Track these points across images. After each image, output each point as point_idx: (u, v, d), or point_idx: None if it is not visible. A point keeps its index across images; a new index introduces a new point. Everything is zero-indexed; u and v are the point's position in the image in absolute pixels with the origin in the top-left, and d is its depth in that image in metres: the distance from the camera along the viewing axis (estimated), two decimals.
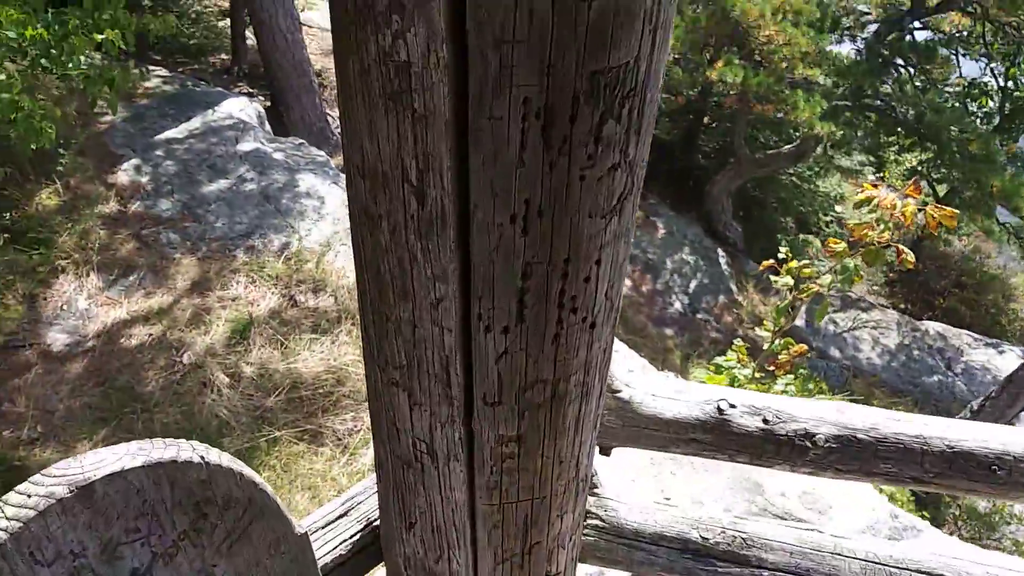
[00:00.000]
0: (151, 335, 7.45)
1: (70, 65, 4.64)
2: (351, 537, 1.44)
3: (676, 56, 11.81)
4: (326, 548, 1.43)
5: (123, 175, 8.89)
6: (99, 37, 4.53)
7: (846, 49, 12.73)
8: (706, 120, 16.99)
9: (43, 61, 4.67)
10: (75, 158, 8.72)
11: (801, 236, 16.80)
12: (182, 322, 7.77)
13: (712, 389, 1.34)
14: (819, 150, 14.78)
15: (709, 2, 10.44)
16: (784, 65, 10.63)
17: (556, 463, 1.09)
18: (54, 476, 0.94)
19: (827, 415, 1.31)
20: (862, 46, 12.72)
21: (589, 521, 1.59)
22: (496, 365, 0.92)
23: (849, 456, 1.33)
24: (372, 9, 0.67)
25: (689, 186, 16.70)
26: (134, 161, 9.03)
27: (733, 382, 4.91)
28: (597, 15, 0.65)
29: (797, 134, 14.26)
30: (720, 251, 14.91)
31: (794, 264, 4.52)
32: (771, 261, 4.65)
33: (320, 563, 1.40)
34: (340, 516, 1.45)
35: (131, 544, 1.00)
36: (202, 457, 1.04)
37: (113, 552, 0.99)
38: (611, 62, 0.69)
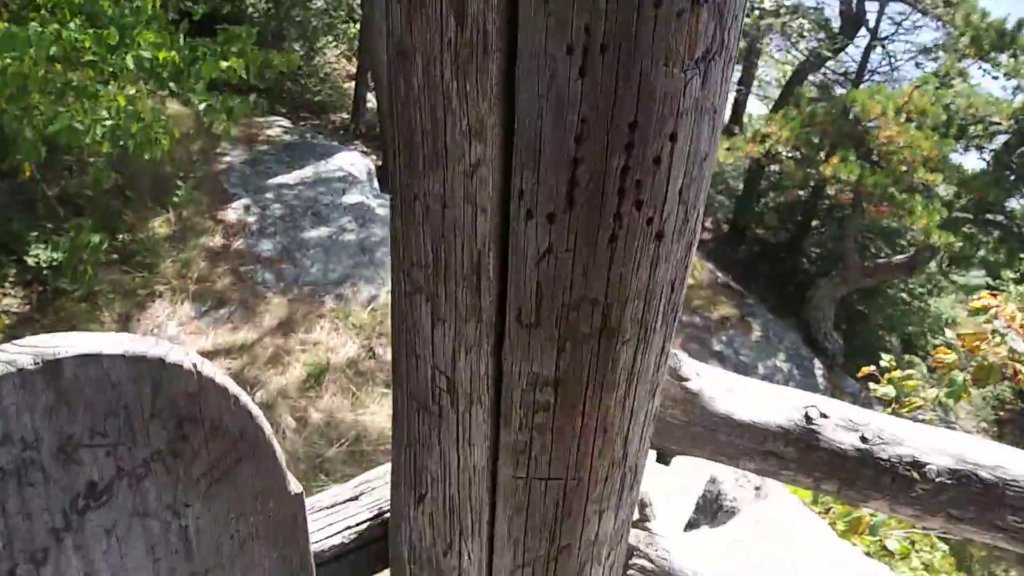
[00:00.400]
0: (230, 369, 7.56)
1: (196, 88, 4.87)
2: (358, 525, 1.25)
3: (790, 149, 11.56)
4: (328, 532, 1.24)
5: (232, 212, 9.28)
6: (224, 64, 4.76)
7: (971, 159, 12.16)
8: (815, 223, 16.46)
9: (171, 84, 4.94)
10: (191, 192, 9.18)
11: (907, 357, 15.78)
12: (262, 360, 7.87)
13: (801, 395, 1.12)
14: (933, 264, 14.02)
15: (828, 96, 10.22)
16: (903, 168, 10.20)
17: (600, 432, 0.89)
18: (21, 345, 0.82)
19: (943, 443, 1.06)
20: (989, 157, 12.11)
21: (635, 560, 1.35)
22: (536, 269, 0.75)
23: (965, 498, 1.06)
24: None
25: (791, 290, 16.10)
26: (244, 201, 9.43)
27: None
28: None
29: (911, 245, 13.60)
30: (817, 362, 14.15)
31: (897, 373, 4.14)
32: (871, 368, 4.29)
33: (317, 548, 1.21)
34: (349, 499, 1.26)
35: (94, 449, 0.86)
36: (195, 365, 0.90)
37: (71, 453, 0.85)
38: None
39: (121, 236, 8.33)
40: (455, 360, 0.85)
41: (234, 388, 0.95)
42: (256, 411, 0.97)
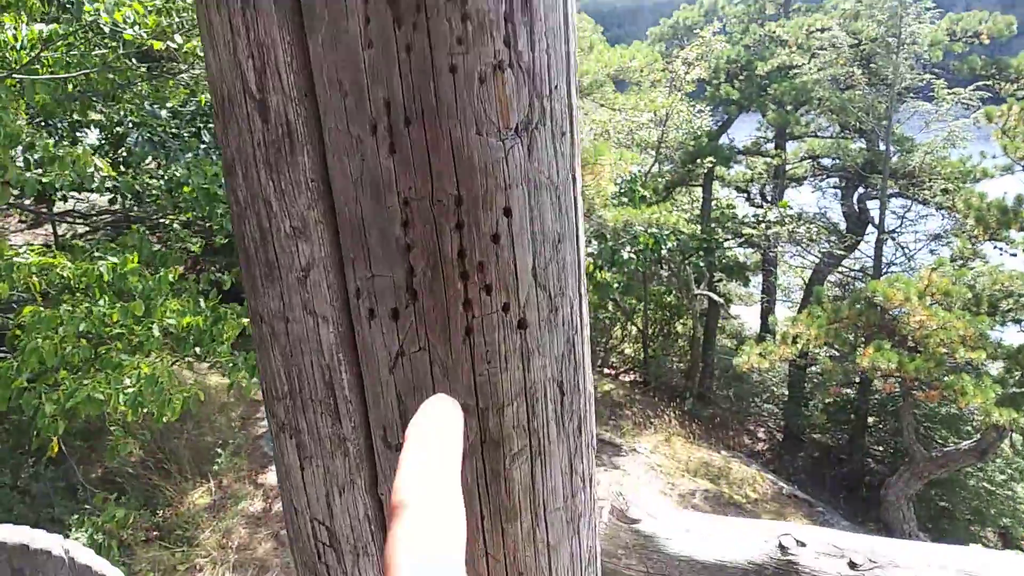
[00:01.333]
0: None
1: (219, 350, 5.06)
2: None
3: (823, 347, 11.42)
4: None
5: (272, 475, 9.20)
6: (245, 321, 4.97)
7: (1012, 333, 11.85)
8: (871, 419, 15.82)
9: (196, 348, 5.14)
10: (231, 459, 9.19)
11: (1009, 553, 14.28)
12: None
13: (772, 525, 0.96)
14: (1007, 446, 13.18)
15: (850, 292, 10.28)
16: (943, 350, 9.95)
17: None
18: None
19: (945, 559, 0.88)
20: None
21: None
22: (392, 376, 0.68)
23: None
24: None
25: (863, 493, 15.12)
26: None
27: None
28: None
29: (975, 430, 12.89)
30: None
31: None
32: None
33: None
34: None
35: None
36: (66, 552, 0.81)
37: None
38: None
39: (161, 512, 8.24)
40: (331, 506, 0.75)
41: (113, 573, 0.85)
42: None
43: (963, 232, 12.65)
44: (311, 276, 0.67)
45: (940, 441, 14.74)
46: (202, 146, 8.11)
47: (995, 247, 12.59)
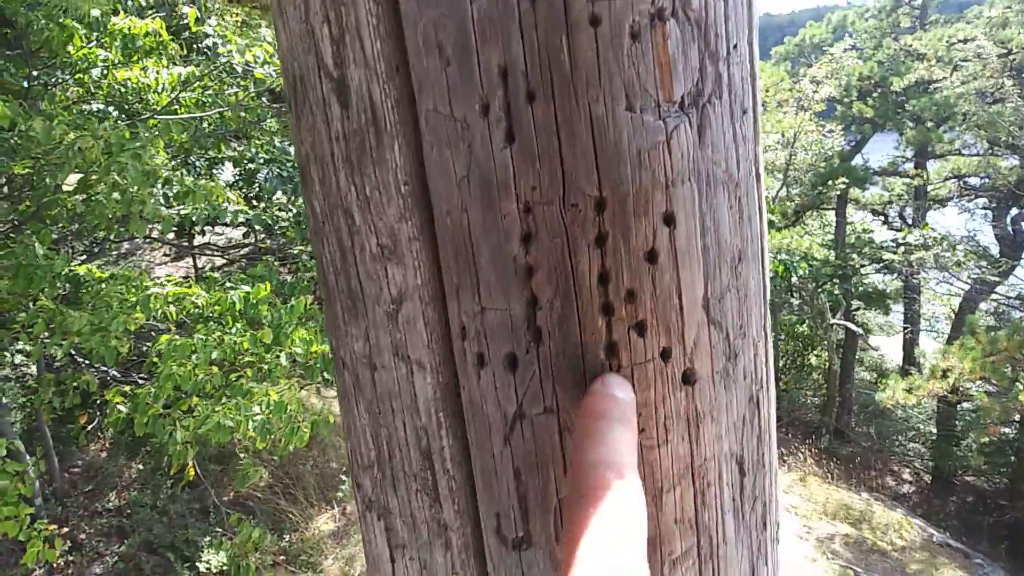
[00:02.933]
0: None
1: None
2: None
3: (977, 381, 10.44)
4: None
5: None
6: None
7: None
8: None
9: (325, 374, 5.19)
10: None
11: None
12: None
13: None
14: None
15: (1005, 320, 9.38)
16: None
17: None
18: None
19: None
20: None
21: None
22: (508, 447, 0.50)
23: None
24: None
25: None
26: None
27: None
28: None
29: None
30: None
31: None
32: None
33: None
34: None
35: None
36: None
37: None
38: None
39: (288, 536, 8.43)
40: None
41: None
42: None
43: None
44: (404, 310, 0.50)
45: None
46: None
47: None
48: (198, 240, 11.03)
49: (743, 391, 0.53)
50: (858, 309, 16.30)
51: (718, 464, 0.52)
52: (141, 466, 8.76)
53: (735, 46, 0.47)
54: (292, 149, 8.83)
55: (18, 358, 7.38)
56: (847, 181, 13.99)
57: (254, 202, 8.63)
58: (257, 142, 8.54)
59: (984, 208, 15.40)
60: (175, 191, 5.72)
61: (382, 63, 0.46)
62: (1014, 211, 14.18)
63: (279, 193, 8.55)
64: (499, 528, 0.52)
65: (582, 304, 0.46)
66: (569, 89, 0.43)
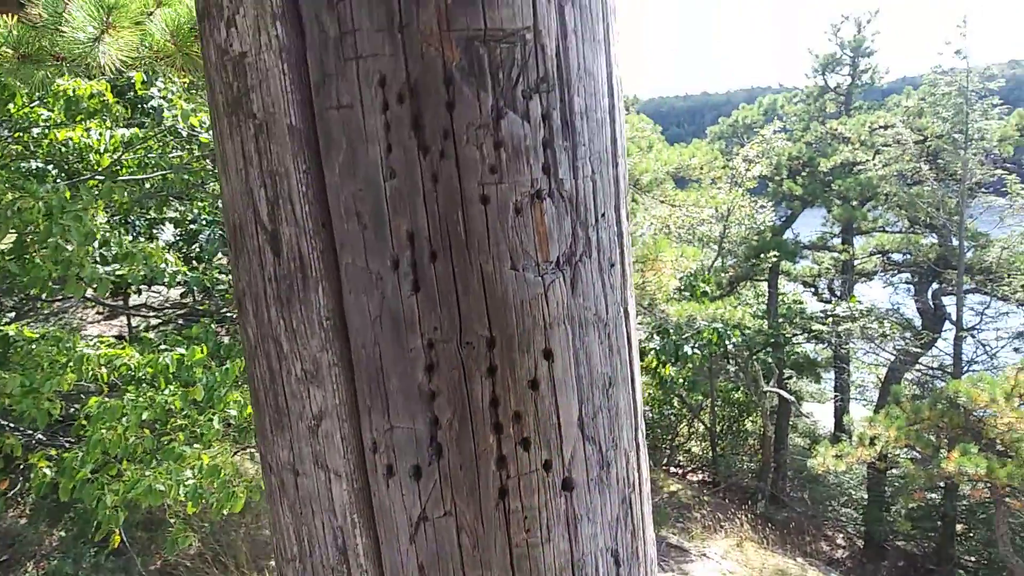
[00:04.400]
0: None
1: None
2: None
3: (903, 448, 10.79)
4: None
5: None
6: None
7: None
8: (959, 528, 14.73)
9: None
10: None
11: None
12: None
13: None
14: None
15: (929, 391, 9.78)
16: None
17: None
18: None
19: None
20: None
21: None
22: (412, 546, 0.58)
23: None
24: (207, 4, 0.56)
25: None
26: None
27: None
28: None
29: None
30: None
31: None
32: None
33: None
34: None
35: None
36: None
37: None
38: (490, 23, 0.51)
39: None
40: None
41: None
42: None
43: None
44: (323, 425, 0.59)
45: None
46: None
47: None
48: (133, 299, 10.81)
49: (616, 494, 0.62)
50: (790, 377, 16.75)
51: (595, 558, 0.61)
52: (63, 533, 8.36)
53: (603, 215, 0.59)
54: None
55: None
56: (778, 255, 14.57)
57: (194, 262, 8.56)
58: (199, 204, 8.52)
59: (907, 283, 16.15)
60: (113, 253, 5.66)
61: (309, 222, 0.56)
62: (935, 286, 14.91)
63: (219, 255, 8.49)
64: None
65: (476, 424, 0.56)
66: (464, 251, 0.54)
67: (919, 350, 14.41)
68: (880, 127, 13.83)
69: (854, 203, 14.57)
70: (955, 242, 13.61)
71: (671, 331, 11.90)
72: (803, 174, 15.56)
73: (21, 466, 6.97)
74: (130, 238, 7.09)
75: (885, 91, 17.81)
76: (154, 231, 8.84)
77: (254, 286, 0.59)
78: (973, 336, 15.02)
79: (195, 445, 4.91)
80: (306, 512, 0.61)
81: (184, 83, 8.06)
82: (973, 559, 14.92)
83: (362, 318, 0.55)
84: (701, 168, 12.84)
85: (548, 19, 0.52)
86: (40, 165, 7.14)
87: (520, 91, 0.52)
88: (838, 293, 16.75)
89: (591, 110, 0.56)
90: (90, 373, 5.04)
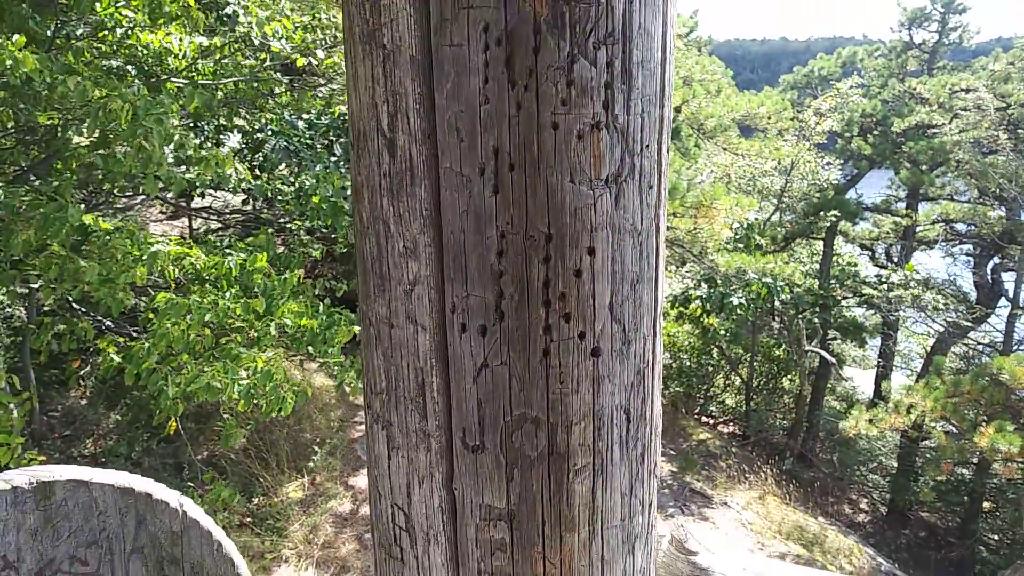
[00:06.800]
0: None
1: (330, 351, 5.34)
2: None
3: (939, 420, 10.78)
4: None
5: (362, 479, 9.53)
6: (356, 329, 5.23)
7: None
8: (986, 505, 14.73)
9: (310, 348, 5.44)
10: (326, 458, 9.58)
11: None
12: None
13: (827, 575, 0.98)
14: None
15: (974, 364, 9.69)
16: None
17: None
18: (22, 470, 0.90)
19: None
20: None
21: None
22: (475, 384, 0.77)
23: None
24: None
25: None
26: None
27: None
28: None
29: None
30: None
31: None
32: None
33: None
34: None
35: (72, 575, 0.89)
36: (181, 505, 0.95)
37: None
38: None
39: (256, 499, 8.66)
40: (410, 494, 0.85)
41: (218, 533, 0.98)
42: (239, 560, 0.98)
43: None
44: (416, 290, 0.77)
45: None
46: (332, 158, 8.56)
47: None
48: (196, 202, 11.20)
49: (633, 366, 0.80)
50: (834, 339, 16.66)
51: (611, 411, 0.80)
52: (119, 417, 8.95)
53: (647, 146, 0.75)
54: (300, 123, 9.00)
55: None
56: (839, 214, 14.34)
57: (257, 171, 8.82)
58: (268, 114, 8.74)
59: (967, 255, 15.78)
60: (188, 155, 5.93)
61: (420, 132, 0.73)
62: (995, 260, 14.56)
63: (283, 166, 8.72)
64: (464, 437, 0.79)
65: (531, 298, 0.74)
66: (536, 165, 0.71)
67: (970, 324, 14.18)
68: (962, 90, 13.33)
69: (923, 167, 14.18)
70: (1023, 217, 13.23)
71: (719, 281, 11.93)
72: (875, 132, 15.14)
73: (91, 349, 7.47)
74: (199, 142, 7.36)
75: (975, 51, 17.01)
76: (221, 137, 9.11)
77: (371, 179, 0.77)
78: None
79: (251, 349, 5.24)
80: (395, 356, 0.80)
81: None
82: (996, 537, 14.93)
83: (453, 210, 0.73)
84: (769, 118, 12.60)
85: None
86: (120, 64, 7.40)
87: (591, 42, 0.68)
88: (895, 259, 16.45)
89: (646, 61, 0.72)
90: (159, 269, 5.37)
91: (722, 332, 14.25)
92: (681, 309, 14.30)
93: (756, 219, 13.98)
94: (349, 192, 7.65)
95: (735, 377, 17.14)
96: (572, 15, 0.67)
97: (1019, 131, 12.76)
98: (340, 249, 8.16)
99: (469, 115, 0.70)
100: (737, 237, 12.38)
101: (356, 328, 5.40)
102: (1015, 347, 13.89)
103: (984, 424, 10.13)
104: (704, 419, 16.68)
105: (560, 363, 0.76)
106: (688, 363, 16.04)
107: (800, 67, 17.26)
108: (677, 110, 9.91)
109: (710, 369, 16.84)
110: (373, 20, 0.73)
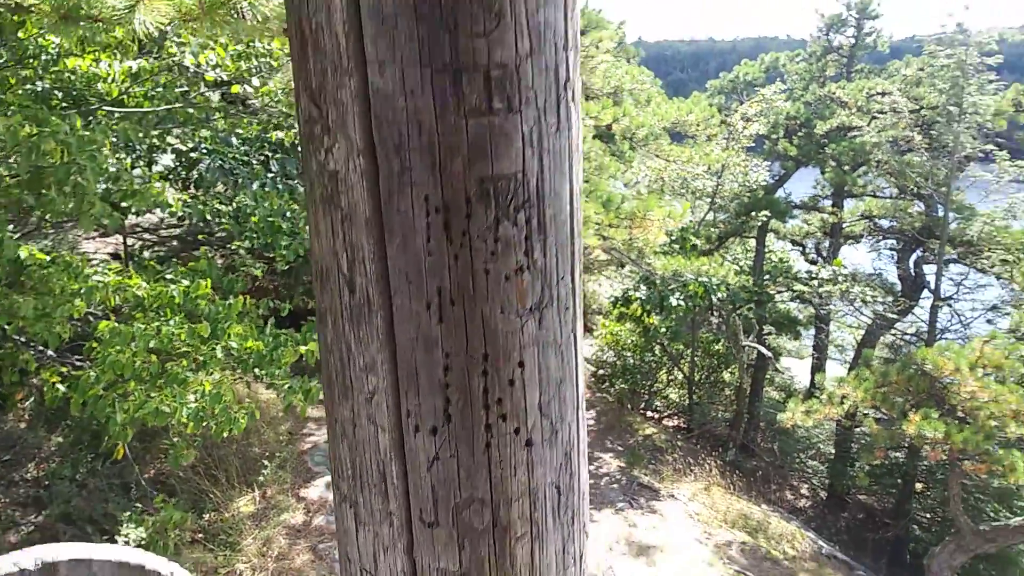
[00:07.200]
0: None
1: (277, 373, 5.42)
2: None
3: (870, 409, 11.33)
4: None
5: (314, 490, 9.56)
6: (303, 349, 5.33)
7: None
8: (919, 486, 15.50)
9: (256, 370, 5.51)
10: (276, 471, 9.58)
11: None
12: None
13: None
14: None
15: (902, 354, 10.22)
16: (992, 423, 9.80)
17: None
18: (27, 552, 1.03)
19: None
20: None
21: None
22: (429, 473, 0.94)
23: None
24: (312, 134, 0.89)
25: (906, 559, 14.81)
26: (326, 478, 9.75)
27: None
28: (475, 132, 0.82)
29: None
30: None
31: None
32: None
33: None
34: None
35: None
36: (172, 573, 1.09)
37: None
38: (495, 171, 0.84)
39: (207, 515, 8.62)
40: (376, 561, 1.02)
41: None
42: None
43: (1022, 304, 12.44)
44: (375, 398, 0.94)
45: (990, 515, 14.34)
46: (269, 175, 8.55)
47: None
48: (131, 219, 11.02)
49: (561, 450, 0.99)
50: (770, 333, 17.28)
51: (544, 488, 0.98)
52: (61, 439, 8.79)
53: (562, 278, 0.93)
54: (234, 140, 8.90)
55: None
56: (769, 213, 14.92)
57: (192, 188, 8.73)
58: (200, 134, 8.66)
59: (891, 249, 16.58)
60: (122, 189, 5.91)
61: (375, 276, 0.90)
62: (917, 254, 15.34)
63: (219, 185, 8.65)
64: (421, 515, 0.96)
65: (473, 404, 0.91)
66: (473, 301, 0.88)
67: (895, 316, 14.92)
68: (878, 93, 14.04)
69: (846, 167, 14.88)
70: (941, 212, 13.98)
71: (657, 282, 12.32)
72: (799, 134, 15.80)
73: (34, 379, 7.35)
74: (129, 160, 7.28)
75: (892, 50, 17.82)
76: (153, 155, 8.96)
77: (334, 308, 0.94)
78: (950, 306, 15.54)
79: (198, 372, 5.29)
80: (359, 449, 0.97)
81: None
82: (928, 516, 15.70)
83: (405, 336, 0.90)
84: (698, 125, 13.05)
85: (531, 165, 0.86)
86: (47, 86, 7.27)
87: (512, 207, 0.86)
88: (824, 255, 17.15)
89: (558, 215, 0.90)
90: (99, 300, 5.35)
91: (663, 330, 14.67)
92: (623, 309, 14.70)
93: (691, 221, 14.44)
94: (288, 212, 7.69)
95: (677, 372, 17.62)
96: (496, 188, 0.85)
97: (931, 132, 13.52)
98: (281, 266, 8.17)
99: (416, 264, 0.87)
100: (673, 239, 12.79)
101: (302, 348, 5.48)
102: (938, 336, 14.68)
103: (912, 412, 10.69)
104: (649, 414, 17.10)
105: (500, 454, 0.93)
106: (632, 360, 16.43)
107: (726, 72, 17.87)
108: (609, 127, 10.26)
109: (653, 365, 17.27)
110: (331, 187, 0.89)
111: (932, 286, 14.36)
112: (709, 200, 15.72)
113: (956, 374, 9.99)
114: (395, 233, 0.87)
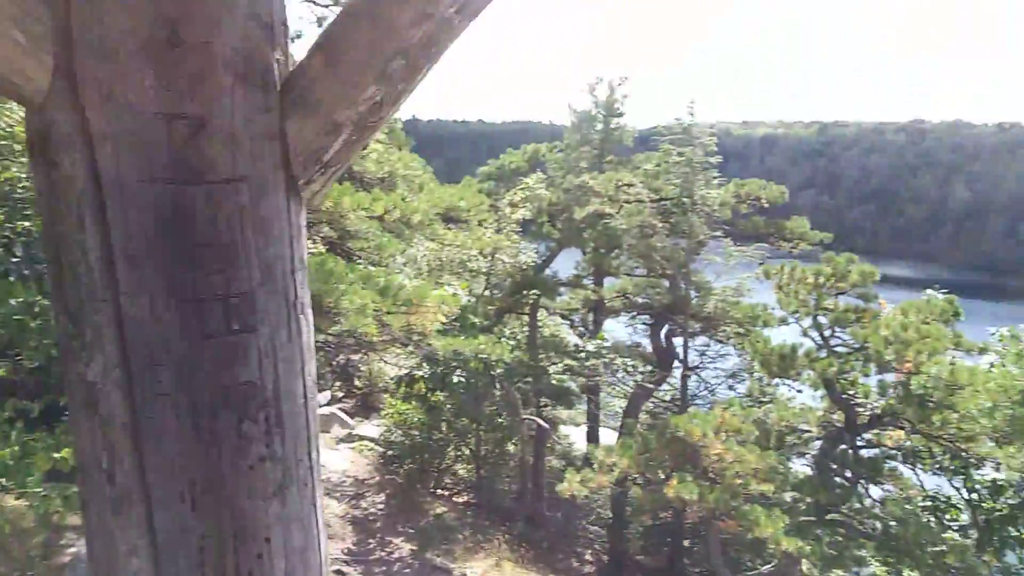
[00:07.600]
0: None
1: (29, 480, 4.86)
2: None
3: (636, 475, 12.25)
4: None
5: None
6: (57, 455, 4.85)
7: (800, 465, 13.27)
8: (686, 543, 16.80)
9: (2, 480, 4.92)
10: None
11: None
12: None
13: None
14: (806, 566, 14.39)
15: (657, 422, 11.23)
16: (738, 481, 11.00)
17: None
18: None
19: None
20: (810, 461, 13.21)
21: None
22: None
23: None
24: (70, 348, 1.02)
25: None
26: None
27: None
28: (217, 350, 1.00)
29: (772, 556, 14.07)
30: None
31: None
32: None
33: None
34: None
35: None
36: None
37: None
38: (237, 380, 1.02)
39: None
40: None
41: None
42: None
43: (754, 371, 14.22)
44: None
45: (748, 564, 15.80)
46: (13, 260, 7.76)
47: (784, 384, 14.12)
48: None
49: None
50: (546, 405, 18.14)
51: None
52: None
53: (300, 460, 1.11)
54: None
55: None
56: (538, 292, 15.95)
57: None
58: None
59: (645, 324, 18.30)
60: None
61: (132, 471, 1.02)
62: (667, 327, 17.05)
63: None
64: None
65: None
66: (222, 490, 1.04)
67: (652, 385, 16.37)
68: (625, 184, 15.70)
69: (602, 250, 16.34)
70: (684, 290, 15.76)
71: (439, 361, 12.60)
72: (561, 219, 17.15)
73: None
74: None
75: (639, 139, 19.88)
76: None
77: (95, 500, 1.05)
78: (698, 374, 17.34)
79: None
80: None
81: None
82: (698, 570, 16.97)
83: (163, 523, 1.03)
84: (469, 211, 13.76)
85: (268, 372, 1.05)
86: None
87: (253, 408, 1.04)
88: (590, 328, 18.48)
89: (293, 409, 1.09)
90: None
91: (448, 407, 14.93)
92: (407, 389, 14.84)
93: (469, 300, 15.03)
94: (36, 308, 7.02)
95: (464, 448, 17.87)
96: (237, 393, 1.02)
97: (670, 219, 15.35)
98: (28, 365, 7.38)
99: (170, 463, 1.02)
100: (453, 319, 13.24)
101: (56, 454, 5.00)
102: (690, 402, 16.31)
103: (671, 475, 11.72)
104: (440, 492, 17.10)
105: None
106: (420, 438, 16.46)
107: (493, 160, 19.07)
108: (381, 218, 10.58)
109: (441, 443, 17.39)
110: (90, 395, 1.02)
111: (681, 356, 16.02)
112: (485, 278, 16.49)
113: (704, 439, 11.14)
114: (150, 435, 1.01)
